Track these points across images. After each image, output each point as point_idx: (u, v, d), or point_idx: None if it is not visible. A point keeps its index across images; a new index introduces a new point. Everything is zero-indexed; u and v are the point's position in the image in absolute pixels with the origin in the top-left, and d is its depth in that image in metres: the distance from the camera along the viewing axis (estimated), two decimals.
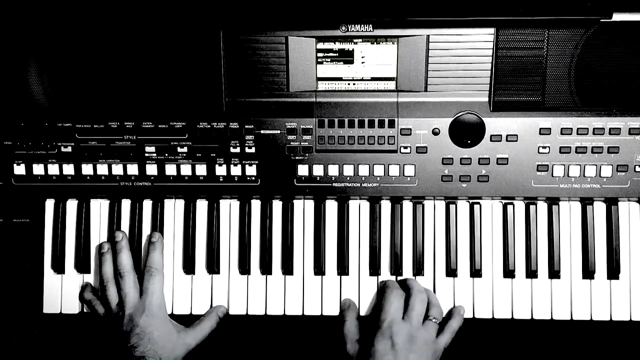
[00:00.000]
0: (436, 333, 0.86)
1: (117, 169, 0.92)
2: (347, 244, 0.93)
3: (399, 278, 0.92)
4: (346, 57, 0.90)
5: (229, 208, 0.94)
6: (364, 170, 0.91)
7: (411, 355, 0.82)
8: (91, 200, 0.94)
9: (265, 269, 0.93)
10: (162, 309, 0.89)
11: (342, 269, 0.92)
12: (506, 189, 0.91)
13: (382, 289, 0.90)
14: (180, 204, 0.94)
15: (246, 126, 0.91)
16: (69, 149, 0.92)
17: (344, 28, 0.88)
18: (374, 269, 0.92)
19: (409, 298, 0.87)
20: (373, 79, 0.91)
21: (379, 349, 0.82)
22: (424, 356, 0.83)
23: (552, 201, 0.92)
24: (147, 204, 0.94)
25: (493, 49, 0.88)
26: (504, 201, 0.93)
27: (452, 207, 0.92)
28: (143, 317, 0.86)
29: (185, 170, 0.92)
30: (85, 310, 0.94)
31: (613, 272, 0.91)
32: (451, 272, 0.92)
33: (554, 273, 0.91)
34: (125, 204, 0.94)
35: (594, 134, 0.89)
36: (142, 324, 0.86)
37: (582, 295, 0.91)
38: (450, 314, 0.90)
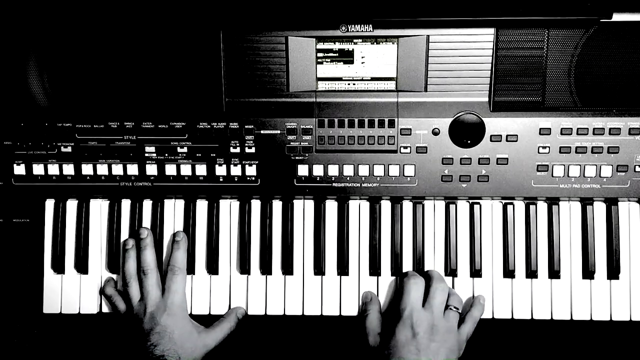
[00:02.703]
0: (457, 323, 0.86)
1: (117, 169, 0.92)
2: (347, 244, 0.93)
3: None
4: (346, 57, 0.90)
5: (229, 208, 0.94)
6: (364, 170, 0.91)
7: (432, 344, 0.81)
8: (91, 200, 0.94)
9: (265, 269, 0.93)
10: (183, 309, 0.89)
11: (342, 269, 0.92)
12: (506, 189, 0.91)
13: (402, 275, 0.90)
14: (180, 204, 0.94)
15: (246, 126, 0.91)
16: (69, 149, 0.92)
17: (344, 28, 0.88)
18: (374, 269, 0.92)
19: (429, 287, 0.86)
20: (373, 79, 0.91)
21: (400, 338, 0.82)
22: (446, 345, 0.82)
23: (552, 201, 0.92)
24: (147, 204, 0.94)
25: (493, 49, 0.88)
26: (504, 201, 0.93)
27: (452, 207, 0.92)
28: (164, 316, 0.86)
29: (185, 170, 0.92)
30: (82, 312, 0.94)
31: (613, 272, 0.91)
32: (451, 272, 0.92)
33: (554, 273, 0.91)
34: (125, 204, 0.94)
35: (594, 134, 0.89)
36: (163, 322, 0.85)
37: (582, 295, 0.91)
38: (470, 304, 0.90)
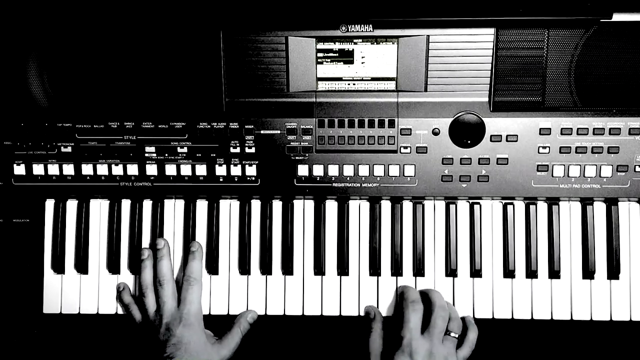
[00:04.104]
0: (455, 347, 0.86)
1: (117, 169, 0.92)
2: (347, 244, 0.93)
3: (420, 287, 0.92)
4: (346, 57, 0.90)
5: (229, 208, 0.94)
6: (364, 170, 0.91)
7: None
8: (91, 200, 0.94)
9: (265, 269, 0.93)
10: (199, 320, 0.89)
11: (342, 269, 0.92)
12: (506, 189, 0.91)
13: (401, 295, 0.89)
14: (180, 204, 0.94)
15: (246, 126, 0.91)
16: (69, 149, 0.92)
17: (344, 28, 0.88)
18: (374, 269, 0.92)
19: (430, 314, 0.86)
20: (373, 79, 0.91)
21: None
22: None
23: (552, 201, 0.92)
24: (147, 204, 0.94)
25: (493, 49, 0.88)
26: (504, 201, 0.93)
27: (452, 207, 0.92)
28: (180, 327, 0.86)
29: (185, 170, 0.92)
30: (82, 312, 0.94)
31: (613, 272, 0.91)
32: (451, 272, 0.92)
33: (554, 273, 0.91)
34: (125, 204, 0.94)
35: (594, 134, 0.89)
36: (178, 334, 0.85)
37: (582, 295, 0.91)
38: (464, 325, 0.90)
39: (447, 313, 0.87)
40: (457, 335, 0.87)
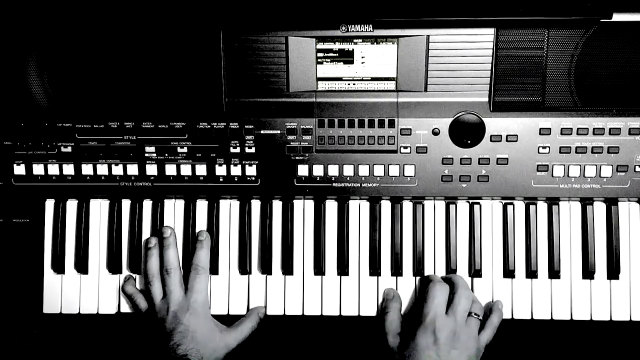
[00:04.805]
0: (478, 329, 0.86)
1: (117, 169, 0.92)
2: (347, 244, 0.93)
3: (442, 275, 0.92)
4: (346, 57, 0.90)
5: (229, 208, 0.94)
6: (364, 170, 0.91)
7: (453, 351, 0.81)
8: (91, 200, 0.94)
9: (265, 269, 0.93)
10: (206, 309, 0.89)
11: (342, 269, 0.92)
12: (506, 189, 0.91)
13: (424, 281, 0.89)
14: (180, 204, 0.94)
15: (246, 126, 0.91)
16: (69, 149, 0.92)
17: (344, 28, 0.88)
18: (374, 269, 0.92)
19: (454, 294, 0.86)
20: (373, 79, 0.91)
21: (421, 343, 0.82)
22: (466, 353, 0.82)
23: (552, 201, 0.92)
24: (147, 204, 0.94)
25: (493, 49, 0.88)
26: (504, 201, 0.93)
27: (452, 207, 0.92)
28: (187, 316, 0.86)
29: (185, 170, 0.92)
30: (82, 312, 0.94)
31: (613, 272, 0.91)
32: (451, 272, 0.92)
33: (554, 273, 0.91)
34: (125, 204, 0.94)
35: (594, 134, 0.89)
36: (186, 322, 0.86)
37: (582, 295, 0.91)
38: (489, 309, 0.90)
39: (471, 293, 0.87)
40: (479, 317, 0.86)
